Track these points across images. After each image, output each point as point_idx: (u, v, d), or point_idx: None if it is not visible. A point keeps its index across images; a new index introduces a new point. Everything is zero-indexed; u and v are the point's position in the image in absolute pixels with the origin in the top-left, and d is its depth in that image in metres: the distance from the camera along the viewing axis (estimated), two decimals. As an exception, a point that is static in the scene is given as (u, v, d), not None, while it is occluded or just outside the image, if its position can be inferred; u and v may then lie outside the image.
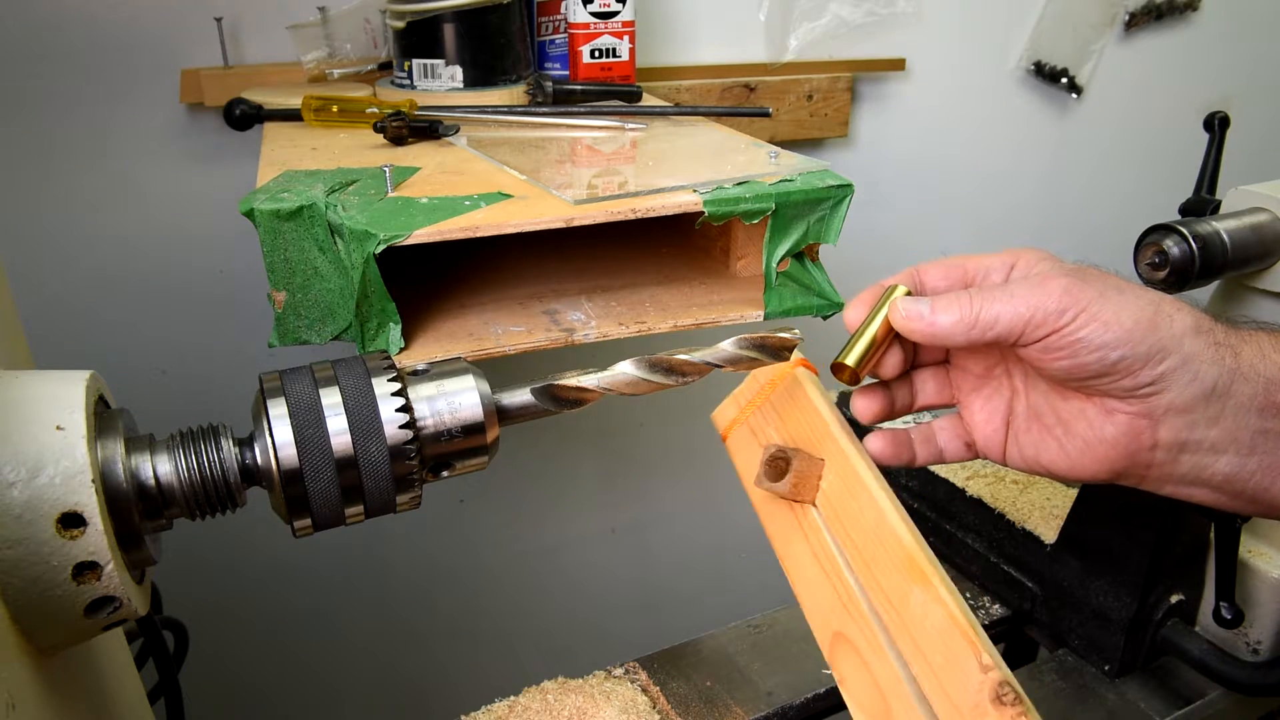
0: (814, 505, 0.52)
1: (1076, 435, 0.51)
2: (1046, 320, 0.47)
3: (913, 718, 0.42)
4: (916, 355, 0.58)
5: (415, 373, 0.47)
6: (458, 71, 1.01)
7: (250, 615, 1.41)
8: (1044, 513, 0.85)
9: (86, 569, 0.39)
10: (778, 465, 0.52)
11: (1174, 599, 0.77)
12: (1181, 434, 0.48)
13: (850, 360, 0.53)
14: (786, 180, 0.79)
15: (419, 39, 1.01)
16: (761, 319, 0.80)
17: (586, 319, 0.79)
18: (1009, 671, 0.42)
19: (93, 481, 0.39)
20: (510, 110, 1.00)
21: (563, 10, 1.12)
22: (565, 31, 1.12)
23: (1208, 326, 0.48)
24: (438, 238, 0.68)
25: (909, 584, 0.46)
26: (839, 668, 0.45)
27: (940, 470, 0.93)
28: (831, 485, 0.52)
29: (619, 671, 0.75)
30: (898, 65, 1.49)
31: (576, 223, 0.72)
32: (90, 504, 0.39)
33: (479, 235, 0.69)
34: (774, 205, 0.77)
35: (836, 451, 0.52)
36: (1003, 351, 0.55)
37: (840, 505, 0.51)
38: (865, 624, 0.47)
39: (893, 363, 0.55)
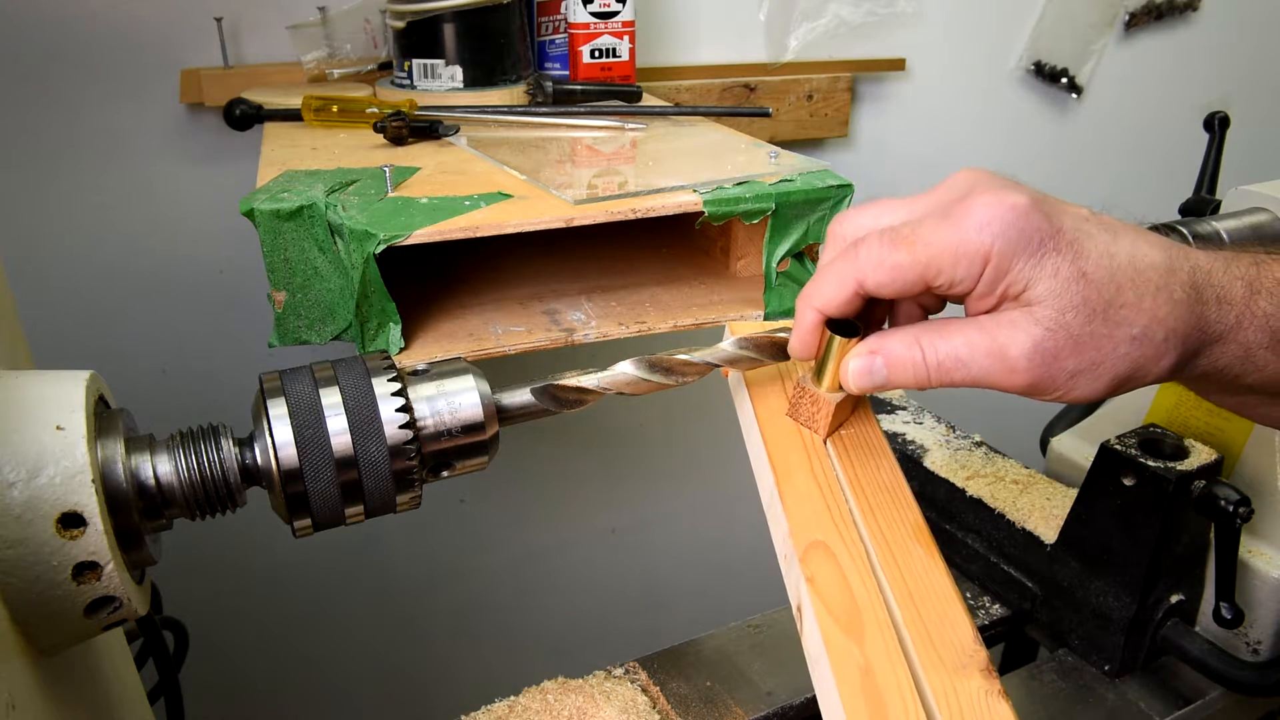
0: (825, 441, 0.53)
1: None
2: (1012, 389, 0.46)
3: (886, 638, 0.43)
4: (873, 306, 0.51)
5: (415, 373, 0.47)
6: (458, 71, 1.01)
7: (250, 615, 1.41)
8: (1044, 513, 0.85)
9: (86, 569, 0.39)
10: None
11: (1174, 599, 0.77)
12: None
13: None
14: (786, 180, 0.79)
15: (419, 39, 1.01)
16: (761, 319, 0.80)
17: (586, 319, 0.79)
18: None
19: (93, 481, 0.39)
20: (510, 110, 1.00)
21: (563, 10, 1.12)
22: (565, 31, 1.12)
23: (1187, 360, 0.46)
24: (438, 238, 0.68)
25: (913, 542, 0.48)
26: (810, 567, 0.45)
27: (940, 470, 0.93)
28: (852, 438, 0.53)
29: (619, 671, 0.75)
30: (898, 65, 1.49)
31: (576, 223, 0.72)
32: (90, 504, 0.39)
33: (479, 235, 0.69)
34: (774, 205, 0.77)
35: (867, 414, 0.55)
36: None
37: (859, 459, 0.52)
38: (854, 544, 0.47)
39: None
